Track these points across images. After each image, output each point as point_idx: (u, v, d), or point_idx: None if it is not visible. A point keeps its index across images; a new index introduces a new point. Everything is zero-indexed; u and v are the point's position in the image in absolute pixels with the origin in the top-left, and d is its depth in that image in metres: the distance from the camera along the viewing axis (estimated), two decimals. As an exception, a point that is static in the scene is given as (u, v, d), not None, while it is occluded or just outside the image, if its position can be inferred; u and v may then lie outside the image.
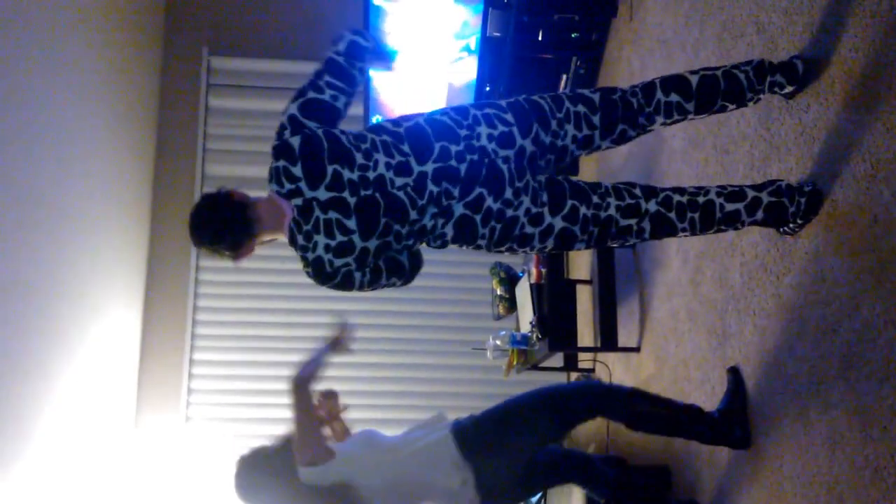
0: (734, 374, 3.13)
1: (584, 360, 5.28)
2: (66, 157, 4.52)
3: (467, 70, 5.61)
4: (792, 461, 2.72)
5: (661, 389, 4.03)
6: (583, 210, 2.55)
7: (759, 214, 2.62)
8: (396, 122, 2.62)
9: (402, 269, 2.66)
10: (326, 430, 3.09)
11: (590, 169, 5.72)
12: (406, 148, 2.53)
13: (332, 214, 2.46)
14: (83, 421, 4.82)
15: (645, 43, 4.57)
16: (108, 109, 5.12)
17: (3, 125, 3.82)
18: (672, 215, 2.59)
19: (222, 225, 2.52)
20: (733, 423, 3.01)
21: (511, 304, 5.10)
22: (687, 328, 3.75)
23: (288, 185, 2.48)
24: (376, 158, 2.50)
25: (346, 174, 2.48)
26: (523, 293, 4.85)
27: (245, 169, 6.05)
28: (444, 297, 6.14)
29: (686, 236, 2.68)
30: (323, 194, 2.46)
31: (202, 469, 5.67)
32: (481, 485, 2.89)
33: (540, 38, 5.31)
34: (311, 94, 2.57)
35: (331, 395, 3.19)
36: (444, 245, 2.63)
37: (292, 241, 2.50)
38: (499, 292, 5.15)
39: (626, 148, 4.80)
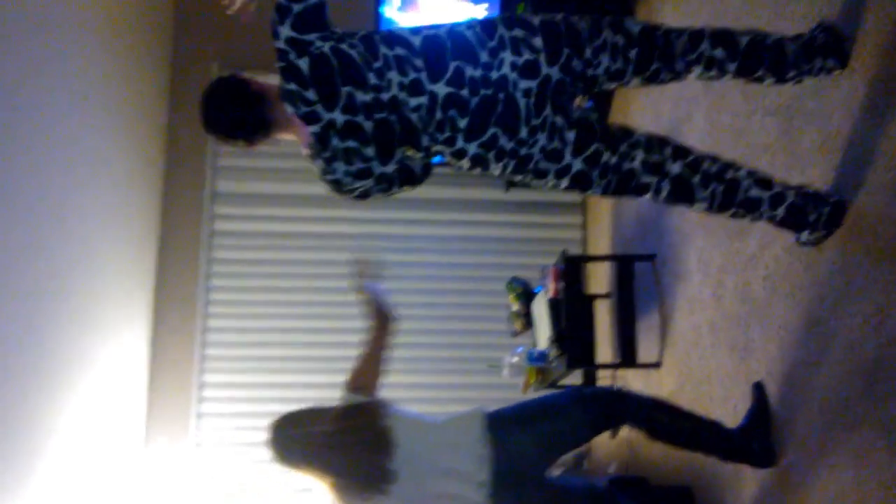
0: (758, 389, 3.06)
1: (604, 377, 5.21)
2: (73, 175, 4.49)
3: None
4: (818, 478, 2.65)
5: (683, 406, 3.96)
6: (606, 156, 2.47)
7: (781, 211, 2.53)
8: (416, 30, 2.53)
9: (413, 177, 2.61)
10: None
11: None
12: (419, 62, 2.44)
13: (350, 142, 2.43)
14: (92, 447, 4.77)
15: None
16: (117, 126, 5.10)
17: (10, 144, 3.80)
18: (695, 180, 2.49)
19: (238, 121, 2.49)
20: (754, 440, 2.93)
21: (528, 321, 5.04)
22: (709, 343, 3.68)
23: (304, 108, 2.43)
24: (389, 78, 2.43)
25: (360, 96, 2.42)
26: (540, 309, 4.79)
27: (256, 185, 6.00)
28: (459, 314, 6.04)
29: (701, 210, 2.57)
30: (340, 117, 2.41)
31: (213, 496, 5.60)
32: (497, 467, 2.66)
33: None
34: (297, 7, 2.43)
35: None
36: (460, 161, 2.54)
37: (312, 159, 2.49)
38: (515, 308, 5.10)
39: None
